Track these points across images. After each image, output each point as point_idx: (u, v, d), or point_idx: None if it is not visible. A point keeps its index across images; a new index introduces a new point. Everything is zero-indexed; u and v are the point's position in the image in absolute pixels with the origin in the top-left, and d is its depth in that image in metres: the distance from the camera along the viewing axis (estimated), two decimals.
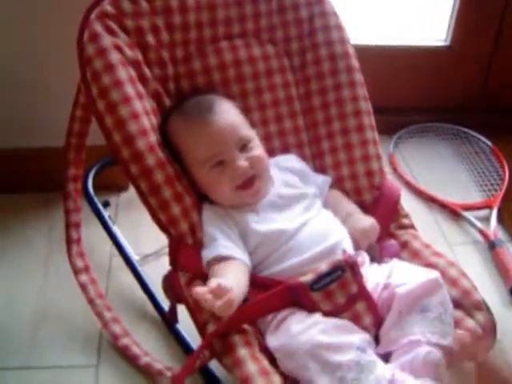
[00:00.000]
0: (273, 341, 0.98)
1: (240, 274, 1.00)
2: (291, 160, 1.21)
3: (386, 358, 0.96)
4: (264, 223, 1.07)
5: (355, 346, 0.92)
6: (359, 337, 0.94)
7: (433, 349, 0.93)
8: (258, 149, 1.10)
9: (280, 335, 0.97)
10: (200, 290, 0.91)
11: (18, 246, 1.57)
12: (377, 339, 0.99)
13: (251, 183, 1.08)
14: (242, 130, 1.09)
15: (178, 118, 1.10)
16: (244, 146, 1.08)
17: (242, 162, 1.06)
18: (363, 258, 1.10)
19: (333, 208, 1.17)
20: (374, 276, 1.05)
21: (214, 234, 1.05)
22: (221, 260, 1.01)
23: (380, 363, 0.91)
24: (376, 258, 1.14)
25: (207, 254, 1.03)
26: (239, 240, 1.05)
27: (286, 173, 1.17)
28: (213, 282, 0.91)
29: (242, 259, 1.02)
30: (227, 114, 1.09)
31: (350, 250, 1.08)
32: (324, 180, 1.21)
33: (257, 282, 1.02)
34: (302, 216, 1.10)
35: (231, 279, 0.95)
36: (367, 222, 1.12)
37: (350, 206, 1.19)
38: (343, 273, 0.99)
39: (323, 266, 0.99)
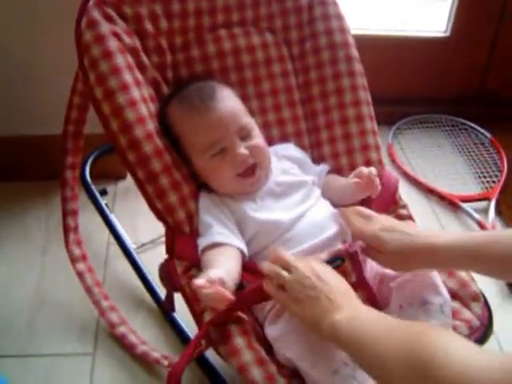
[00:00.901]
0: (271, 331, 0.98)
1: (232, 262, 0.99)
2: (290, 148, 1.21)
3: None
4: (262, 211, 1.07)
5: None
6: None
7: None
8: (258, 138, 1.10)
9: (279, 325, 0.97)
10: (198, 282, 0.90)
11: (15, 235, 1.57)
12: None
13: (252, 172, 1.08)
14: (243, 117, 1.09)
15: (178, 105, 1.09)
16: (245, 135, 1.07)
17: (242, 149, 1.06)
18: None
19: (329, 185, 1.18)
20: (373, 265, 1.05)
21: (209, 222, 1.04)
22: (214, 247, 1.01)
23: None
24: None
25: (203, 242, 1.03)
26: (235, 228, 1.05)
27: (284, 161, 1.17)
28: (213, 276, 0.90)
29: (236, 245, 1.02)
30: (228, 100, 1.08)
31: (349, 238, 1.08)
32: (322, 168, 1.21)
33: (256, 269, 1.01)
34: (301, 205, 1.09)
35: (223, 270, 0.94)
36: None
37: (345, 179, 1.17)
38: (342, 262, 0.98)
39: (322, 256, 0.99)
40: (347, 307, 0.83)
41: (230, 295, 0.90)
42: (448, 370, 0.64)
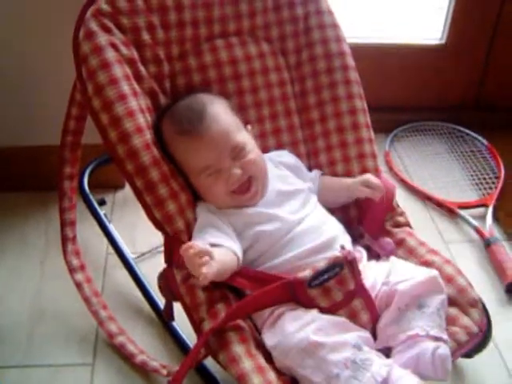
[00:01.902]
0: (269, 339, 0.98)
1: (224, 257, 0.98)
2: (284, 155, 1.21)
3: (387, 352, 0.97)
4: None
5: (351, 344, 0.92)
6: (356, 334, 0.94)
7: (441, 343, 0.94)
8: (252, 153, 1.09)
9: (275, 333, 0.97)
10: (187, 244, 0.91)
11: (14, 245, 1.57)
12: (373, 335, 0.99)
13: (248, 188, 1.08)
14: (235, 135, 1.08)
15: (170, 126, 1.09)
16: (238, 153, 1.07)
17: (235, 170, 1.06)
18: (361, 254, 1.11)
19: (330, 186, 1.20)
20: (373, 273, 1.05)
21: (204, 228, 1.04)
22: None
23: (376, 360, 0.91)
24: (380, 253, 1.15)
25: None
26: (232, 233, 1.05)
27: (281, 167, 1.18)
28: (204, 245, 0.92)
29: (230, 247, 1.01)
30: (218, 119, 1.07)
31: (348, 244, 1.08)
32: (316, 173, 1.22)
33: (254, 277, 1.02)
34: (300, 211, 1.10)
35: (216, 253, 0.94)
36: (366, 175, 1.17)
37: (347, 179, 1.20)
38: (341, 269, 0.99)
39: (321, 263, 0.99)
40: None
41: (208, 268, 0.89)
42: None
